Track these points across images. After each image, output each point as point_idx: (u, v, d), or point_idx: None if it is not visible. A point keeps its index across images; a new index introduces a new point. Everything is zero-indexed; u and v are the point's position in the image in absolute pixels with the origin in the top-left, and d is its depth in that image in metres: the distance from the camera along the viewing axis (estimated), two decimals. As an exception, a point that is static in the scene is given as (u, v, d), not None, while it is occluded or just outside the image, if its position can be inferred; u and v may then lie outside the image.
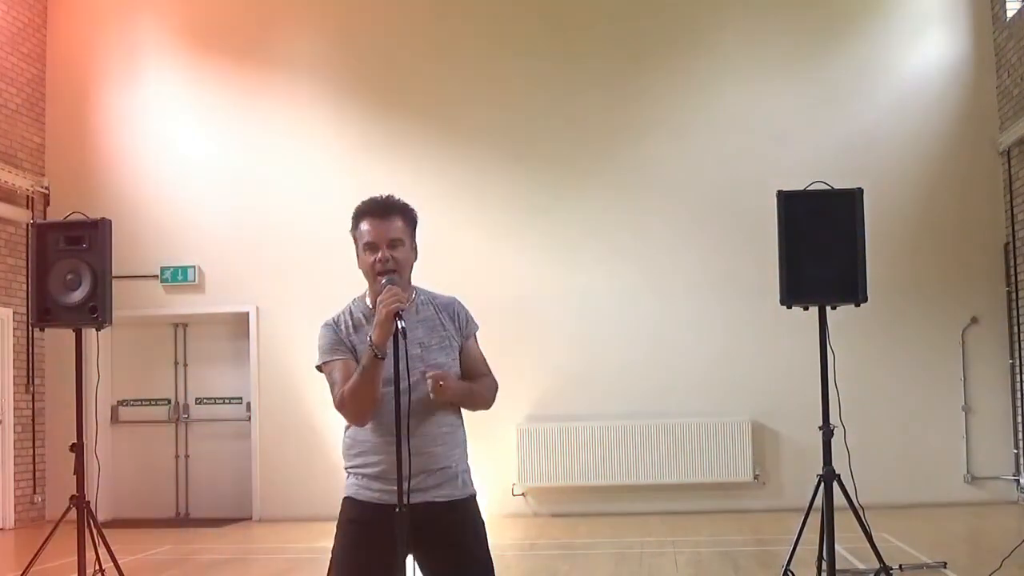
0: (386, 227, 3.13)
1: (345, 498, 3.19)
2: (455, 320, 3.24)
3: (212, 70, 11.08)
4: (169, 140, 11.08)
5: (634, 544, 8.40)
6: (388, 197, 3.21)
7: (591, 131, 10.61)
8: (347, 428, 3.19)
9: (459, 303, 3.31)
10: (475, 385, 3.23)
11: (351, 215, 3.22)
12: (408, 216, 3.19)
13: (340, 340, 3.17)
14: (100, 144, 11.17)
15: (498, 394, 3.30)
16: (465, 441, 3.25)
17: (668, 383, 10.26)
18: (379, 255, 3.11)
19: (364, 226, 3.15)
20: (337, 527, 3.18)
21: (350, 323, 3.20)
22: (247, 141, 10.98)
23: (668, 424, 10.15)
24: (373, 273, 3.13)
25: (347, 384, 3.05)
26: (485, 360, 3.31)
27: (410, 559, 2.97)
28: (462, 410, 3.25)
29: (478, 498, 3.23)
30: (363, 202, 3.20)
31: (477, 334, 3.31)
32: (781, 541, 7.20)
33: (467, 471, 3.23)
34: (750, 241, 9.87)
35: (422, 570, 3.11)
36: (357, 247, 3.20)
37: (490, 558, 3.18)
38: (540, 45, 10.74)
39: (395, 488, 2.97)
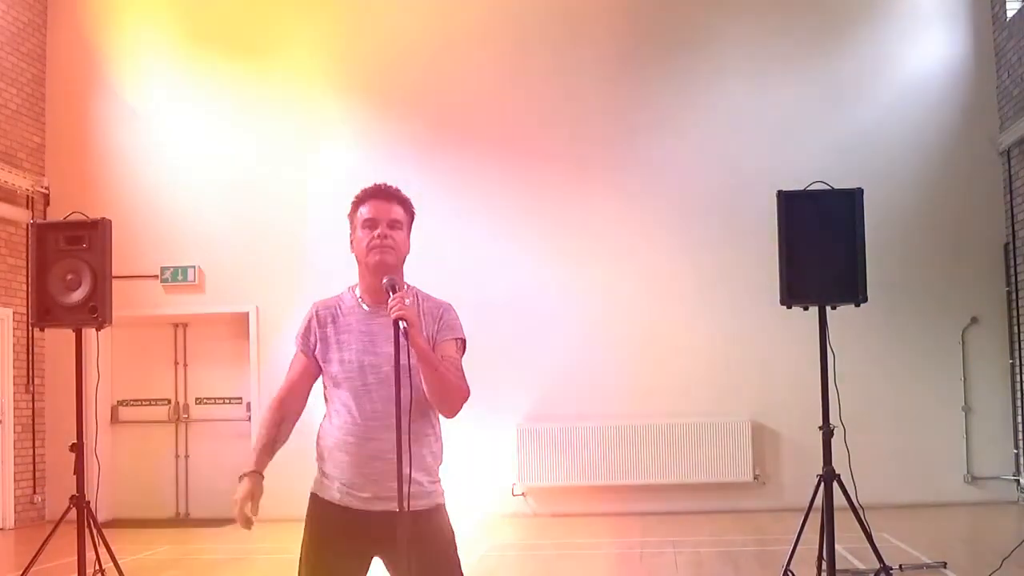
0: (388, 208, 3.11)
1: (311, 493, 3.16)
2: (436, 322, 3.11)
3: (212, 70, 11.08)
4: (169, 140, 11.07)
5: (634, 544, 8.40)
6: (391, 185, 3.20)
7: (592, 131, 10.60)
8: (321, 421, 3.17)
9: (448, 310, 3.17)
10: (440, 362, 3.01)
11: (352, 200, 3.18)
12: (408, 208, 3.18)
13: (309, 330, 3.16)
14: (100, 144, 11.16)
15: (467, 400, 3.06)
16: (432, 453, 3.10)
17: (668, 383, 10.25)
18: (377, 231, 3.06)
19: (365, 206, 3.13)
20: (304, 523, 3.15)
21: (337, 313, 3.15)
22: (247, 141, 10.97)
23: (668, 424, 10.15)
24: (367, 251, 3.07)
25: (275, 400, 3.15)
26: (459, 366, 3.09)
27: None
28: (441, 421, 3.13)
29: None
30: (366, 187, 3.18)
31: (457, 343, 3.13)
32: (781, 541, 7.19)
33: (432, 481, 3.09)
34: (750, 241, 9.86)
35: None
36: (353, 228, 3.15)
37: (455, 567, 3.08)
38: (541, 44, 10.73)
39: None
